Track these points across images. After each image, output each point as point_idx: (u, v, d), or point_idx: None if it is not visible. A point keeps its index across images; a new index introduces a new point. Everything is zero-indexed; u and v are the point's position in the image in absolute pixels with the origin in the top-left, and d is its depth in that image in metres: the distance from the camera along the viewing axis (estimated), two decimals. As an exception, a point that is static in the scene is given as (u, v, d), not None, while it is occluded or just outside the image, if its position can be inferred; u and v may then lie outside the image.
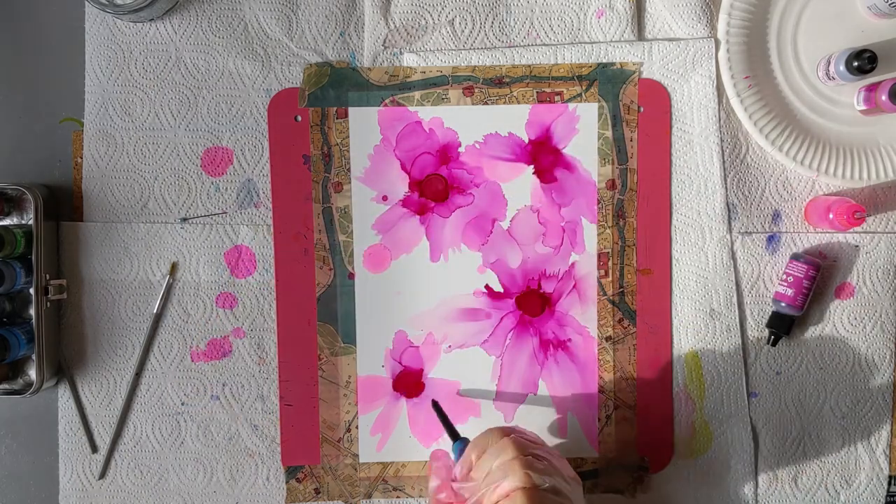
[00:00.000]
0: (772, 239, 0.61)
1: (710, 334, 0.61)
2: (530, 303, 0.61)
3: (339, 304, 0.61)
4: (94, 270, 0.61)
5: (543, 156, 0.61)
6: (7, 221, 0.59)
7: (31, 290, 0.58)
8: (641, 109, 0.60)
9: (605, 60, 0.60)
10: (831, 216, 0.58)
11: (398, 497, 0.61)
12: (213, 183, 0.61)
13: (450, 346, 0.61)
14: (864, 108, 0.59)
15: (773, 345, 0.60)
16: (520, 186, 0.61)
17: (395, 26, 0.60)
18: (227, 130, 0.61)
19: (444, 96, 0.60)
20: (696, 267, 0.61)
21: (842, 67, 0.56)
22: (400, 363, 0.61)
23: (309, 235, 0.61)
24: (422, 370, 0.61)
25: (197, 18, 0.60)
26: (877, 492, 0.62)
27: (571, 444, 0.61)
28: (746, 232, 0.61)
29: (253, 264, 0.61)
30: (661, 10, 0.60)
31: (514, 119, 0.61)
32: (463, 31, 0.60)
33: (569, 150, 0.61)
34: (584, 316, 0.61)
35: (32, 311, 0.58)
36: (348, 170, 0.61)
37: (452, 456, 0.54)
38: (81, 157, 0.61)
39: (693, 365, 0.61)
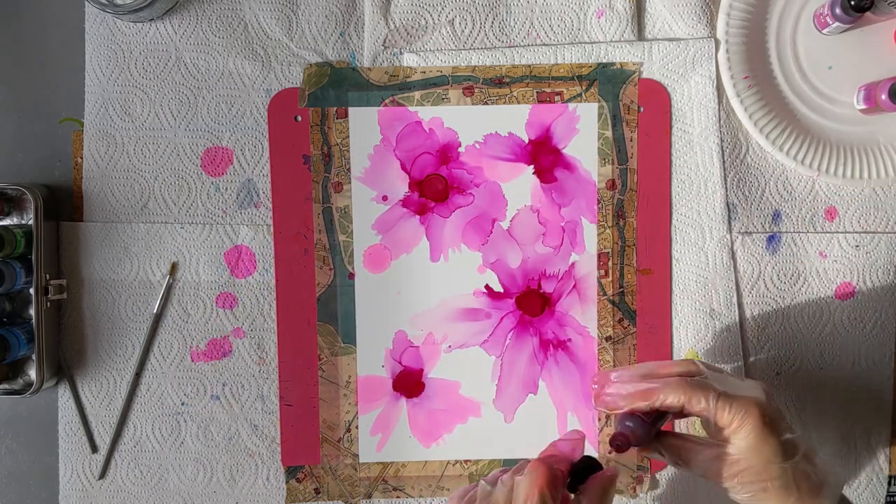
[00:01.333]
0: (772, 239, 0.61)
1: (710, 334, 0.61)
2: (530, 303, 0.61)
3: (339, 304, 0.61)
4: (94, 270, 0.61)
5: (543, 156, 0.61)
6: (7, 221, 0.59)
7: (31, 290, 0.58)
8: (641, 109, 0.61)
9: (605, 60, 0.60)
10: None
11: (398, 497, 0.61)
12: (213, 183, 0.61)
13: (450, 346, 0.61)
14: (863, 107, 0.59)
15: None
16: (520, 186, 0.61)
17: (395, 26, 0.60)
18: (227, 130, 0.61)
19: (444, 96, 0.60)
20: (696, 267, 0.61)
21: (838, 10, 0.56)
22: (400, 363, 0.61)
23: (309, 235, 0.61)
24: (422, 370, 0.61)
25: (197, 18, 0.60)
26: (877, 492, 0.62)
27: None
28: (746, 232, 0.61)
29: (253, 264, 0.61)
30: (661, 10, 0.60)
31: (514, 119, 0.61)
32: (463, 31, 0.60)
33: (569, 150, 0.61)
34: (584, 316, 0.61)
35: (32, 311, 0.58)
36: (348, 170, 0.61)
37: None
38: (81, 157, 0.61)
39: (693, 365, 0.61)
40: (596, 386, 0.53)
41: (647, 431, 0.49)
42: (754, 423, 0.47)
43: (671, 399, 0.48)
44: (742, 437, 0.47)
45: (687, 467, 0.50)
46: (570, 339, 0.61)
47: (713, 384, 0.48)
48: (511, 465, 0.61)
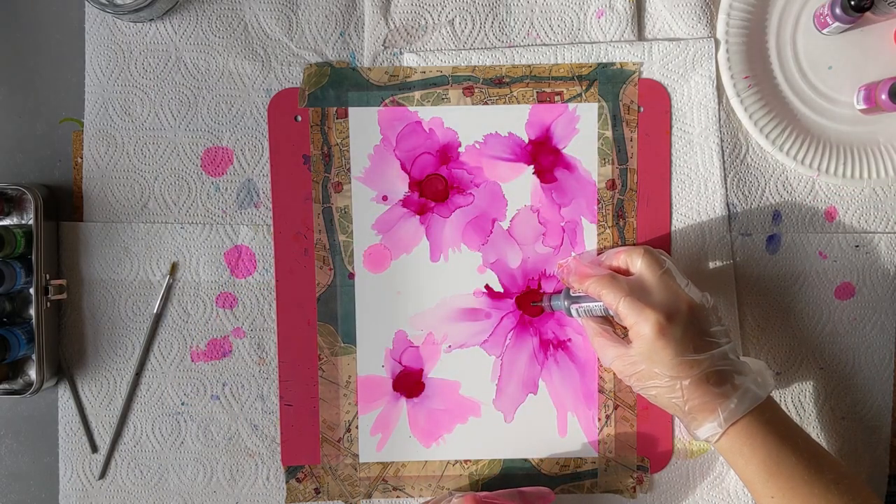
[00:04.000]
0: (772, 239, 0.61)
1: (710, 334, 0.61)
2: (530, 303, 0.61)
3: (339, 304, 0.61)
4: (94, 270, 0.61)
5: (543, 156, 0.61)
6: (7, 221, 0.59)
7: (31, 290, 0.58)
8: (641, 109, 0.61)
9: (605, 60, 0.60)
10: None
11: (398, 497, 0.61)
12: (213, 183, 0.61)
13: (450, 346, 0.61)
14: (863, 107, 0.59)
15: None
16: (520, 186, 0.61)
17: (395, 26, 0.60)
18: (227, 130, 0.61)
19: (444, 96, 0.60)
20: (696, 267, 0.61)
21: (838, 10, 0.56)
22: (400, 363, 0.61)
23: (309, 235, 0.61)
24: (422, 370, 0.61)
25: (197, 18, 0.60)
26: (877, 491, 0.62)
27: (571, 444, 0.61)
28: (746, 232, 0.61)
29: (253, 264, 0.61)
30: (661, 10, 0.60)
31: (514, 119, 0.61)
32: (463, 31, 0.60)
33: (569, 150, 0.61)
34: (584, 316, 0.61)
35: (32, 311, 0.58)
36: (348, 170, 0.61)
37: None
38: (81, 157, 0.61)
39: (693, 365, 0.61)
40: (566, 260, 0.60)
41: (567, 306, 0.57)
42: (648, 333, 0.51)
43: (591, 289, 0.54)
44: (638, 341, 0.52)
45: (601, 356, 0.56)
46: (570, 339, 0.61)
47: (627, 287, 0.52)
48: (511, 465, 0.61)
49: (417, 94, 0.60)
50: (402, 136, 0.61)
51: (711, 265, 0.61)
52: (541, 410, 0.61)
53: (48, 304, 0.58)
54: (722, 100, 0.60)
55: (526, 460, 0.61)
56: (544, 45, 0.60)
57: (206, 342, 0.61)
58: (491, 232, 0.61)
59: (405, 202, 0.61)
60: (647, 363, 0.52)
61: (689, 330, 0.51)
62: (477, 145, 0.61)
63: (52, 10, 0.61)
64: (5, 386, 0.59)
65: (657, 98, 0.60)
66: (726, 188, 0.61)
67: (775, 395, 0.61)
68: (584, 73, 0.60)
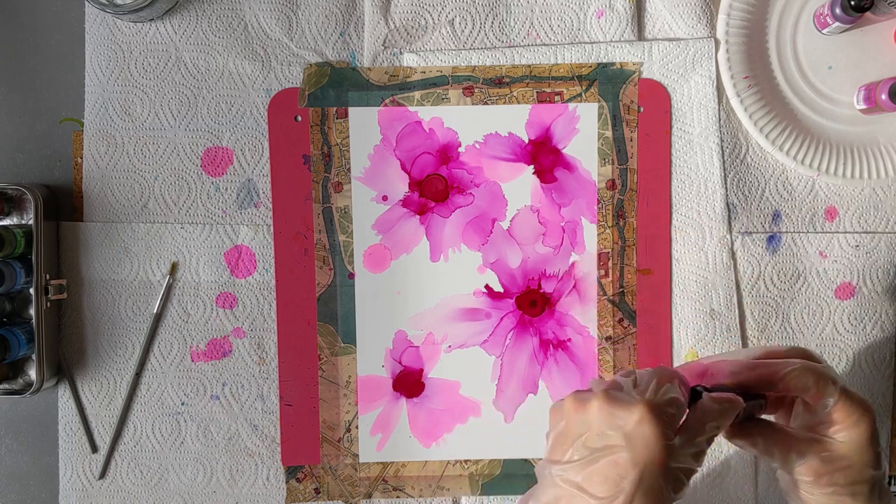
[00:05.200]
0: (772, 239, 0.61)
1: (709, 334, 0.61)
2: (530, 303, 0.61)
3: (339, 304, 0.61)
4: (94, 270, 0.61)
5: (543, 156, 0.61)
6: (7, 221, 0.59)
7: (31, 290, 0.58)
8: (641, 109, 0.61)
9: (605, 60, 0.60)
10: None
11: (398, 497, 0.61)
12: (213, 183, 0.61)
13: (450, 346, 0.61)
14: (863, 107, 0.59)
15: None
16: (520, 186, 0.61)
17: (395, 26, 0.60)
18: (227, 130, 0.61)
19: (444, 96, 0.60)
20: (696, 267, 0.61)
21: (838, 10, 0.56)
22: (400, 363, 0.61)
23: (309, 235, 0.61)
24: (422, 370, 0.61)
25: (197, 18, 0.60)
26: (877, 492, 0.62)
27: (571, 444, 0.61)
28: (746, 232, 0.61)
29: (253, 264, 0.61)
30: (661, 10, 0.60)
31: (514, 119, 0.61)
32: (463, 31, 0.60)
33: (569, 150, 0.61)
34: (584, 316, 0.61)
35: (32, 311, 0.58)
36: (348, 170, 0.61)
37: None
38: (81, 157, 0.61)
39: (693, 365, 0.61)
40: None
41: (747, 408, 0.44)
42: (869, 424, 0.44)
43: (796, 381, 0.44)
44: (854, 436, 0.44)
45: (779, 459, 0.45)
46: (570, 339, 0.61)
47: (835, 375, 0.45)
48: (511, 466, 0.61)
49: (417, 94, 0.60)
50: (402, 136, 0.61)
51: (711, 265, 0.61)
52: (541, 410, 0.61)
53: (48, 304, 0.58)
54: (722, 100, 0.60)
55: (526, 460, 0.61)
56: (544, 45, 0.60)
57: (206, 342, 0.61)
58: (491, 232, 0.61)
59: (405, 202, 0.61)
60: (858, 458, 0.44)
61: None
62: (477, 145, 0.61)
63: (52, 10, 0.61)
64: (5, 386, 0.59)
65: (657, 98, 0.60)
66: (726, 188, 0.61)
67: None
68: (584, 73, 0.60)
